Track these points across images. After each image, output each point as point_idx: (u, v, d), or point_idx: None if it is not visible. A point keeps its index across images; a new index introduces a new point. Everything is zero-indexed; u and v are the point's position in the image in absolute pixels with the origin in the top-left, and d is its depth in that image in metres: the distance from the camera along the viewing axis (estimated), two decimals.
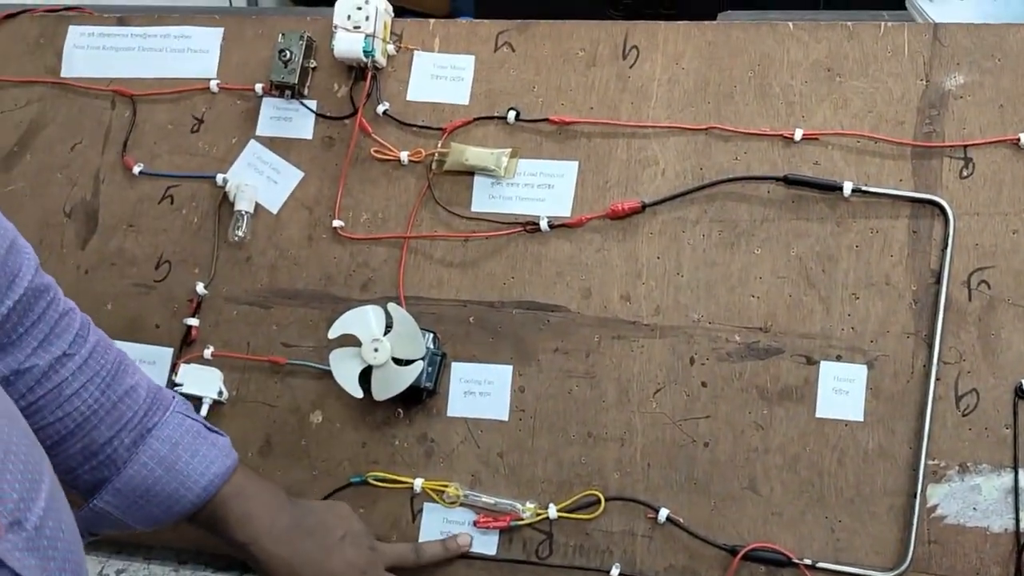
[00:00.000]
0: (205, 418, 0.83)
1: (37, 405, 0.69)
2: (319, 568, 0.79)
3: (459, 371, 0.91)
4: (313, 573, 0.78)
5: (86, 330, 0.73)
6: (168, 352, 0.96)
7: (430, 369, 0.89)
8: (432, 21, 0.99)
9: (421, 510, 0.90)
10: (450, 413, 0.91)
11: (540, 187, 0.92)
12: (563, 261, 0.91)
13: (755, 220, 0.88)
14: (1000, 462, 0.81)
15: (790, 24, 0.90)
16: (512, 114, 0.93)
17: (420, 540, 0.89)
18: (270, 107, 0.99)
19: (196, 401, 0.93)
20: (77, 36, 1.06)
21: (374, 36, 0.94)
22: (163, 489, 0.73)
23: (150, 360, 0.97)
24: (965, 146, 0.85)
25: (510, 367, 0.91)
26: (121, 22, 1.05)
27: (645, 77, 0.92)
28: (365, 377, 0.88)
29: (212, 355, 0.96)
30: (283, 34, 0.97)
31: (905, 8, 1.01)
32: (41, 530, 0.52)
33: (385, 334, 0.88)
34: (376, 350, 0.87)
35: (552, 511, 0.87)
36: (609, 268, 0.90)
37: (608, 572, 0.85)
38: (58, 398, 0.69)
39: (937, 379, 0.82)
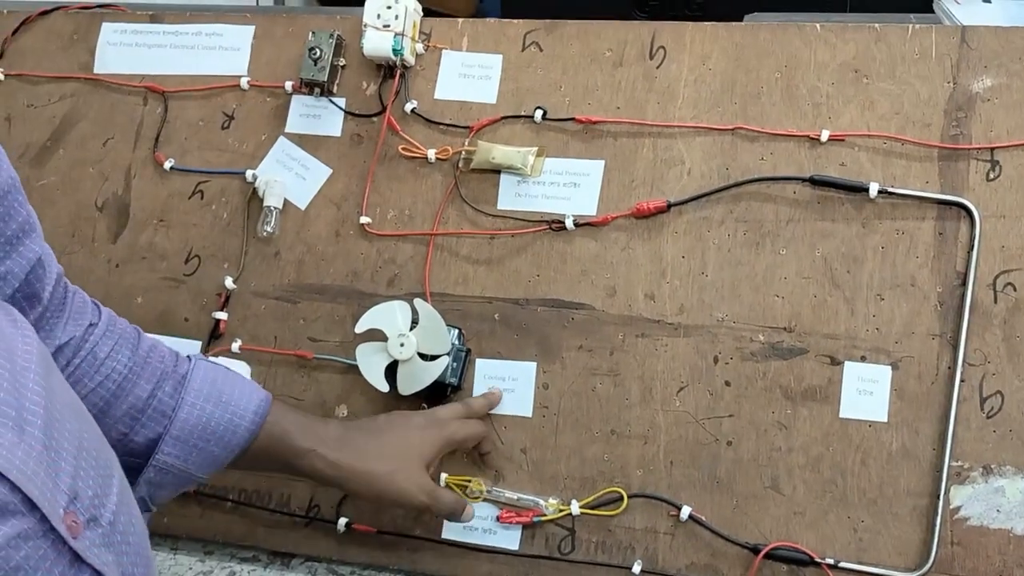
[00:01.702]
0: None
1: (77, 375, 0.71)
2: (381, 448, 0.82)
3: (484, 367, 0.92)
4: (378, 454, 0.82)
5: (95, 303, 0.76)
6: (197, 345, 0.98)
7: (455, 365, 0.90)
8: (460, 20, 1.00)
9: None
10: None
11: (566, 186, 0.93)
12: (588, 259, 0.91)
13: (780, 220, 0.88)
14: None
15: (817, 25, 0.90)
16: (539, 113, 0.94)
17: (443, 535, 0.90)
18: (299, 104, 1.01)
19: None
20: (110, 33, 1.07)
21: (403, 35, 0.95)
22: (218, 424, 0.74)
23: None
24: (992, 148, 0.85)
25: (534, 364, 0.91)
26: (154, 19, 1.07)
27: (672, 77, 0.93)
28: (391, 372, 0.89)
29: (240, 349, 0.97)
30: (313, 32, 0.98)
31: (932, 11, 1.02)
32: (115, 525, 0.53)
33: (411, 329, 0.89)
34: (402, 345, 0.88)
35: (575, 507, 0.87)
36: (634, 267, 0.90)
37: (630, 569, 0.86)
38: (94, 362, 0.72)
39: (962, 381, 0.82)
